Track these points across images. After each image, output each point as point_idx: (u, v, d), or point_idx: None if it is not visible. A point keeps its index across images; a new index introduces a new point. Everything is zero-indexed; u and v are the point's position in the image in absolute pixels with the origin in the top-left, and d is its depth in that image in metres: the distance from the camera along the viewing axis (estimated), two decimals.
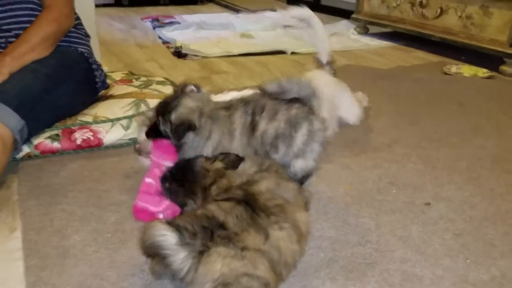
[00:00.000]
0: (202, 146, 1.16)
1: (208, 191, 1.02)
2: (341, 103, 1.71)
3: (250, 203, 0.91)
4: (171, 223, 0.84)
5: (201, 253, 0.81)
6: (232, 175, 1.02)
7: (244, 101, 1.21)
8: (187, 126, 1.13)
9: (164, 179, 1.12)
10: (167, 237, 0.80)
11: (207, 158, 1.10)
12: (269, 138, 1.17)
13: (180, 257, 0.80)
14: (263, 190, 0.95)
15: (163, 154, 1.21)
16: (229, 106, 1.20)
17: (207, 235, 0.82)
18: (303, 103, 1.19)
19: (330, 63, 1.82)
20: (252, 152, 1.17)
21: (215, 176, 1.04)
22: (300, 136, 1.18)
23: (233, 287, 0.79)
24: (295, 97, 1.18)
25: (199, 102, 1.18)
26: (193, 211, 0.92)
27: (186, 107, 1.16)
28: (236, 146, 1.17)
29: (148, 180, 1.20)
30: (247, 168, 1.04)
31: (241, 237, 0.83)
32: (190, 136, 1.15)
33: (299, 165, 1.20)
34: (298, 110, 1.18)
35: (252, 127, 1.17)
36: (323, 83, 1.69)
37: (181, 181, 1.08)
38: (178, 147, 1.18)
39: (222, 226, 0.84)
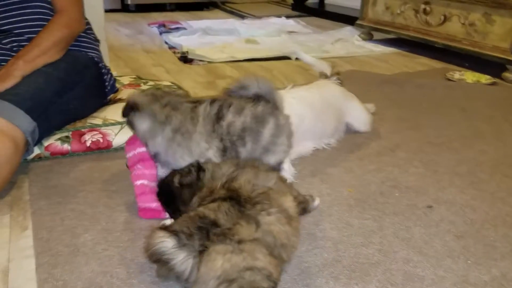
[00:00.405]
0: (160, 131, 1.19)
1: (190, 203, 1.06)
2: (350, 110, 1.74)
3: (235, 198, 0.95)
4: (168, 229, 0.88)
5: (201, 252, 0.84)
6: (211, 182, 1.05)
7: (211, 100, 1.25)
8: (130, 106, 1.21)
9: (157, 195, 1.17)
10: (165, 243, 0.84)
11: (181, 174, 1.12)
12: (236, 130, 1.19)
13: (180, 259, 0.84)
14: (243, 183, 0.99)
15: (144, 164, 1.27)
16: (195, 101, 1.25)
17: (204, 234, 0.86)
18: (266, 100, 1.22)
19: (336, 74, 1.87)
20: (217, 140, 1.19)
21: (192, 192, 1.07)
22: (268, 131, 1.21)
23: (237, 283, 0.82)
24: (257, 94, 1.22)
25: (164, 94, 1.25)
26: (186, 214, 0.95)
27: (141, 93, 1.23)
28: (201, 130, 1.19)
29: (138, 182, 1.25)
30: (225, 170, 1.07)
31: (235, 231, 0.87)
32: (143, 122, 1.20)
33: (273, 161, 1.24)
34: (263, 107, 1.21)
35: (218, 116, 1.20)
36: (329, 90, 1.73)
37: (166, 202, 1.14)
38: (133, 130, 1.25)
39: (215, 223, 0.88)
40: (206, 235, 0.85)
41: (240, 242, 0.85)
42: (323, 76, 1.88)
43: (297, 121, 1.50)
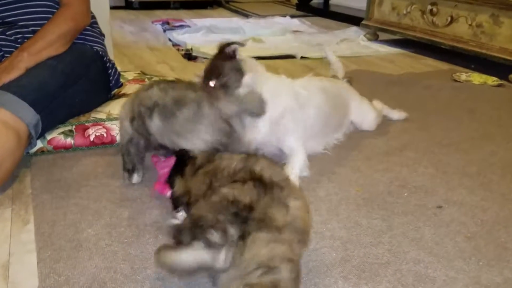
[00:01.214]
0: None
1: (196, 172, 1.04)
2: (356, 109, 1.73)
3: (258, 180, 0.91)
4: (194, 225, 0.82)
5: (241, 238, 0.80)
6: (220, 163, 1.02)
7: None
8: None
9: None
10: (203, 258, 0.79)
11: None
12: (148, 102, 1.22)
13: (221, 260, 0.79)
14: (265, 167, 0.95)
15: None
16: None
17: (238, 220, 0.81)
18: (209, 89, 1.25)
19: (347, 77, 1.88)
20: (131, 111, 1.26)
21: (202, 160, 1.07)
22: (183, 115, 1.18)
23: (279, 274, 0.79)
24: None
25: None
26: (208, 199, 0.91)
27: None
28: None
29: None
30: (232, 160, 1.03)
31: (270, 215, 0.83)
32: None
33: (189, 146, 1.23)
34: (195, 92, 1.22)
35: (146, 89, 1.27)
36: (341, 85, 1.73)
37: (177, 166, 1.14)
38: None
39: (250, 207, 0.83)
40: (241, 220, 0.81)
41: (279, 230, 0.82)
42: (335, 77, 1.88)
43: (316, 112, 1.52)
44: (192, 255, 0.79)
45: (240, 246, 0.79)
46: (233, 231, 0.80)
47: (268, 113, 1.38)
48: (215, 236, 0.79)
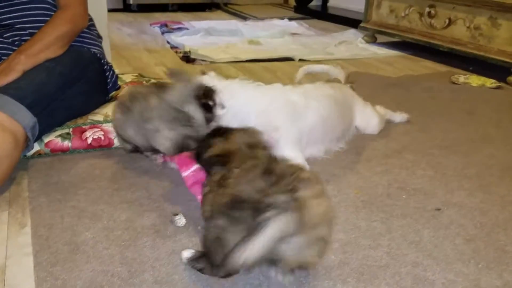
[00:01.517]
0: None
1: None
2: (360, 114, 1.73)
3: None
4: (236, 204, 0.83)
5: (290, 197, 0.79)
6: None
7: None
8: None
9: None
10: (279, 229, 0.77)
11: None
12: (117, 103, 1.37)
13: (292, 224, 0.78)
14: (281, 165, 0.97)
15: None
16: None
17: (272, 179, 0.82)
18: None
19: (349, 82, 1.88)
20: None
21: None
22: (135, 109, 1.26)
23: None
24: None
25: None
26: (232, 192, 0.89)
27: None
28: None
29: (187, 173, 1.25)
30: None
31: (294, 174, 0.84)
32: None
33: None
34: (145, 87, 1.34)
35: None
36: (346, 91, 1.72)
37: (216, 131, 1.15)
38: None
39: (269, 170, 0.84)
40: (276, 181, 0.81)
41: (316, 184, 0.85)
42: (336, 80, 1.87)
43: (316, 119, 1.49)
44: (266, 235, 0.76)
45: (298, 206, 0.78)
46: (279, 190, 0.80)
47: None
48: (283, 197, 0.78)
